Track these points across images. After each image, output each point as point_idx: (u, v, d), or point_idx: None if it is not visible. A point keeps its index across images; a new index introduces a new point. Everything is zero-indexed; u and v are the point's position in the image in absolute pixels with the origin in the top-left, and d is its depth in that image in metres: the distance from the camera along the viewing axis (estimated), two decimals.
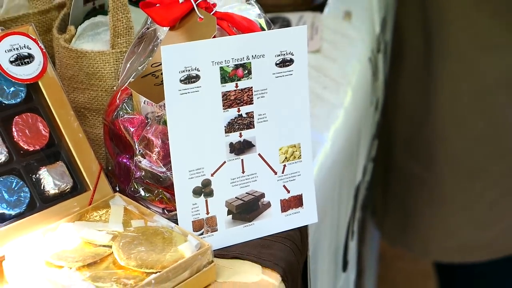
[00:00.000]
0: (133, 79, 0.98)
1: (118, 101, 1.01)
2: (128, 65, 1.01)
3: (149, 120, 0.98)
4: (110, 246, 0.89)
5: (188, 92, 0.90)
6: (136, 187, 1.00)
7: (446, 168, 1.90)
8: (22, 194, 0.93)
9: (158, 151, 0.96)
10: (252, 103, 0.94)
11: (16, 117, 0.96)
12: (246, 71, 0.93)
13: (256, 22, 0.99)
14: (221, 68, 0.91)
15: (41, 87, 0.98)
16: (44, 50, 0.98)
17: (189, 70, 0.89)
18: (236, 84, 0.92)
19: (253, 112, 0.94)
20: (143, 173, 0.98)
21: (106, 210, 0.96)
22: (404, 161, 1.99)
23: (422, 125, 1.92)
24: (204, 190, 0.94)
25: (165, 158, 0.95)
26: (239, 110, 0.94)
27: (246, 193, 0.96)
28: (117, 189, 1.01)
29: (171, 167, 0.92)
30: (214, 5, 0.97)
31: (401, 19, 1.91)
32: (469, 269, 2.02)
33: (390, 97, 1.89)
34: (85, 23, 1.13)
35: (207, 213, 0.95)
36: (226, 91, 0.92)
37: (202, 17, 0.95)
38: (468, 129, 1.86)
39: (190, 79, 0.90)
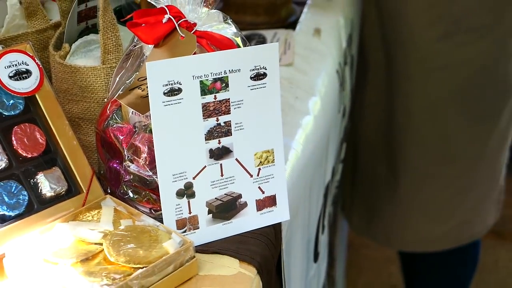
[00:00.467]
0: (121, 92, 0.97)
1: (108, 111, 0.99)
2: (117, 79, 0.99)
3: (136, 129, 0.97)
4: (101, 244, 0.87)
5: (171, 104, 0.89)
6: (125, 189, 0.98)
7: (404, 170, 1.90)
8: (21, 197, 0.91)
9: (145, 157, 0.95)
10: (230, 113, 0.93)
11: (15, 127, 0.94)
12: (224, 84, 0.92)
13: (232, 39, 0.98)
14: (201, 82, 0.90)
15: (38, 99, 0.96)
16: (40, 66, 0.97)
17: (172, 84, 0.88)
18: (215, 96, 0.91)
19: (230, 121, 0.93)
20: (131, 177, 0.96)
21: (98, 211, 0.94)
22: (369, 163, 2.00)
23: (383, 131, 1.93)
24: (187, 192, 0.93)
25: (151, 163, 0.93)
26: (217, 120, 0.92)
27: (225, 194, 0.95)
28: (108, 191, 0.99)
29: (156, 171, 0.91)
30: (194, 24, 0.95)
31: (365, 36, 1.90)
32: (427, 256, 2.03)
33: (356, 105, 1.89)
34: (79, 41, 1.11)
35: (190, 212, 0.93)
36: (206, 103, 0.91)
37: (184, 35, 0.94)
38: (421, 137, 1.87)
39: (173, 91, 0.88)
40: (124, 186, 0.98)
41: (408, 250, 2.13)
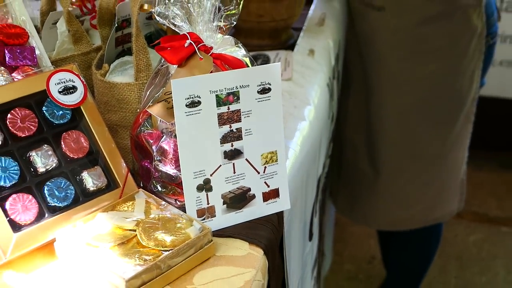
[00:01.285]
0: (151, 104, 0.95)
1: (140, 120, 0.97)
2: (148, 93, 0.97)
3: (164, 134, 0.94)
4: (135, 230, 0.86)
5: (192, 114, 0.87)
6: (155, 184, 0.96)
7: (379, 165, 1.90)
8: (68, 191, 0.89)
9: (171, 158, 0.93)
10: (240, 121, 0.91)
11: (64, 133, 0.92)
12: (236, 97, 0.90)
13: (242, 60, 0.96)
14: (217, 96, 0.88)
15: (83, 110, 0.94)
16: (84, 83, 0.95)
17: (192, 97, 0.87)
18: (228, 107, 0.90)
19: (241, 127, 0.91)
20: (160, 174, 0.95)
21: (132, 202, 0.92)
22: (351, 158, 2.00)
23: (362, 133, 1.92)
24: (205, 186, 0.91)
25: (176, 163, 0.92)
26: (230, 127, 0.91)
27: (237, 188, 0.93)
28: (141, 186, 0.97)
29: (180, 169, 0.89)
30: (211, 48, 0.93)
31: (347, 55, 1.90)
32: (399, 233, 2.03)
33: (341, 112, 1.89)
34: (116, 62, 1.09)
35: (208, 203, 0.91)
36: (221, 113, 0.89)
37: (202, 57, 0.92)
38: (392, 138, 1.87)
39: (194, 104, 0.87)
40: (154, 181, 0.96)
41: (383, 229, 2.14)
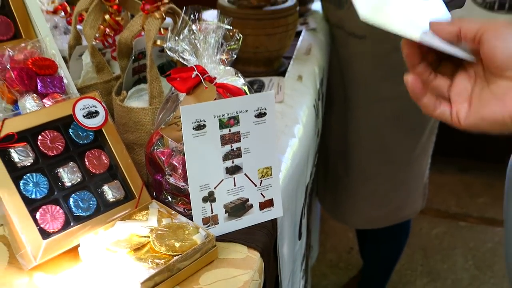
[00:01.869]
0: (163, 126, 0.93)
1: (154, 139, 0.95)
2: (160, 116, 0.95)
3: (174, 152, 0.92)
4: (149, 237, 0.83)
5: (198, 136, 0.85)
6: (166, 195, 0.94)
7: (355, 171, 1.89)
8: (91, 203, 0.87)
9: (180, 172, 0.90)
10: (240, 141, 0.89)
11: (87, 152, 0.90)
12: (236, 121, 0.87)
13: (242, 88, 0.94)
14: (220, 120, 0.86)
15: (104, 131, 0.92)
16: (105, 108, 0.92)
17: (198, 121, 0.84)
18: (229, 129, 0.87)
19: (240, 147, 0.89)
20: (170, 186, 0.92)
21: (146, 212, 0.90)
22: (333, 166, 1.99)
23: (342, 146, 1.91)
24: (210, 198, 0.88)
25: (184, 177, 0.89)
26: (231, 146, 0.88)
27: (237, 199, 0.90)
28: (154, 197, 0.94)
29: (188, 183, 0.87)
30: (215, 78, 0.91)
31: (330, 78, 1.88)
32: (374, 230, 2.01)
33: (326, 128, 1.87)
34: (133, 89, 1.08)
35: (212, 212, 0.89)
36: (223, 134, 0.87)
37: (207, 86, 0.90)
38: (367, 147, 1.86)
39: (200, 127, 0.85)
40: (165, 193, 0.94)
41: (360, 228, 2.14)
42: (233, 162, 0.89)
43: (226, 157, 0.88)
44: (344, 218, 2.01)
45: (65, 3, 1.26)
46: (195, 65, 0.90)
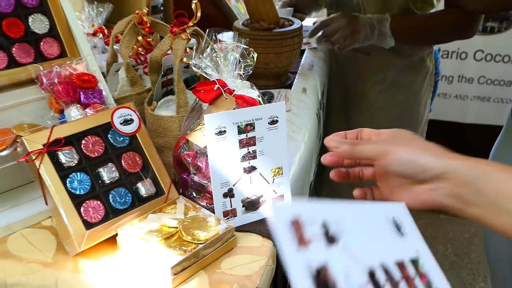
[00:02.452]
0: (189, 132, 0.92)
1: (181, 143, 0.94)
2: (186, 123, 0.94)
3: (198, 154, 0.91)
4: (177, 227, 0.82)
5: (220, 140, 0.84)
6: (191, 191, 0.93)
7: None
8: (127, 198, 0.86)
9: (203, 172, 0.89)
10: (256, 145, 0.88)
11: (123, 154, 0.89)
12: (252, 127, 0.87)
13: (257, 99, 0.93)
14: (238, 126, 0.85)
15: (137, 136, 0.91)
16: (139, 116, 0.91)
17: (220, 128, 0.84)
18: (247, 134, 0.86)
19: (256, 149, 0.88)
20: (195, 184, 0.91)
21: (174, 206, 0.88)
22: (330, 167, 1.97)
23: None
24: (229, 194, 0.87)
25: (207, 176, 0.88)
26: (248, 149, 0.87)
27: (253, 195, 0.89)
28: (181, 193, 0.93)
29: (210, 180, 0.86)
30: (233, 90, 0.90)
31: (331, 91, 1.86)
32: None
33: (326, 133, 1.85)
34: (162, 100, 1.07)
35: (231, 206, 0.88)
36: (241, 139, 0.86)
37: (227, 98, 0.89)
38: None
39: (221, 132, 0.84)
40: (190, 189, 0.93)
41: None
42: (249, 163, 0.88)
43: (243, 159, 0.87)
44: None
45: (103, 26, 1.26)
46: (216, 79, 0.90)
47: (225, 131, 0.84)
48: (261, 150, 0.88)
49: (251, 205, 0.89)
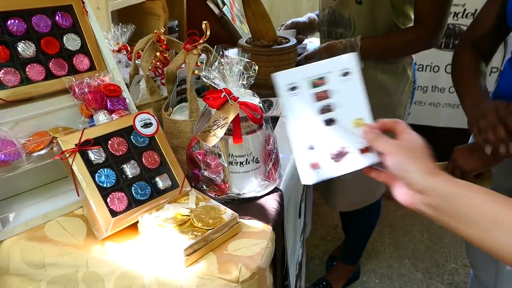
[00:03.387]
0: (199, 133, 0.91)
1: (193, 143, 0.94)
2: (197, 126, 0.94)
3: (207, 152, 0.91)
4: (189, 215, 0.82)
5: (293, 95, 0.74)
6: (201, 185, 0.93)
7: None
8: (147, 190, 0.86)
9: (212, 167, 0.89)
10: (330, 98, 0.75)
11: (144, 152, 0.89)
12: (324, 81, 0.75)
13: (258, 105, 0.92)
14: (310, 81, 0.75)
15: (156, 138, 0.91)
16: (157, 120, 0.92)
17: (291, 84, 0.75)
18: (320, 88, 0.75)
19: (332, 102, 0.75)
20: (204, 178, 0.91)
21: (187, 197, 0.89)
22: None
23: None
24: (311, 147, 0.75)
25: (215, 171, 0.88)
26: (324, 102, 0.75)
27: (336, 147, 0.75)
28: (192, 186, 0.93)
29: (219, 175, 0.85)
30: (237, 98, 0.90)
31: None
32: (354, 211, 1.96)
33: None
34: (177, 106, 1.07)
35: (314, 160, 0.75)
36: (315, 92, 0.75)
37: (232, 104, 0.88)
38: None
39: (293, 88, 0.74)
40: (201, 183, 0.93)
41: (344, 210, 2.06)
42: (327, 116, 0.75)
43: (321, 112, 0.75)
44: (334, 203, 1.95)
45: (127, 44, 1.26)
46: (223, 88, 0.90)
47: (296, 87, 0.74)
48: (337, 102, 0.75)
49: (336, 156, 0.76)
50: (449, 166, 1.22)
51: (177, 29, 1.83)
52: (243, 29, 2.15)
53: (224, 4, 2.08)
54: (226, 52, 0.94)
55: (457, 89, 1.29)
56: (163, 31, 1.08)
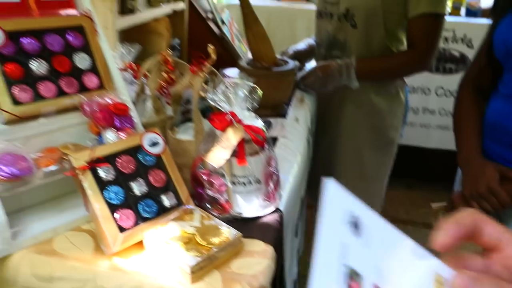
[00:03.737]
0: (205, 154, 0.94)
1: (198, 163, 0.96)
2: (202, 146, 0.97)
3: (212, 172, 0.94)
4: (194, 233, 0.85)
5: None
6: (205, 203, 0.95)
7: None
8: (153, 207, 0.88)
9: (216, 187, 0.92)
10: None
11: (150, 171, 0.91)
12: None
13: (261, 127, 0.95)
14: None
15: (162, 156, 0.94)
16: (164, 139, 0.95)
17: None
18: None
19: None
20: (208, 197, 0.94)
21: (192, 215, 0.91)
22: (318, 179, 1.96)
23: (324, 164, 1.90)
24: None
25: (220, 191, 0.91)
26: None
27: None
28: (196, 204, 0.96)
29: (222, 195, 0.88)
30: (242, 121, 0.93)
31: (318, 120, 1.89)
32: None
33: (315, 154, 1.87)
34: (182, 126, 1.10)
35: None
36: None
37: (237, 126, 0.92)
38: (347, 166, 1.86)
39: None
40: (205, 202, 0.95)
41: None
42: None
43: None
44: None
45: (132, 63, 1.30)
46: (229, 111, 0.93)
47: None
48: None
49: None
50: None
51: (179, 47, 1.87)
52: (242, 48, 2.21)
53: (223, 23, 2.13)
54: (225, 72, 0.98)
55: (454, 132, 1.35)
56: (170, 53, 1.12)
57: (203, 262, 0.78)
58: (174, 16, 1.85)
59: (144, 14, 1.55)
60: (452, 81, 2.88)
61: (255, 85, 0.96)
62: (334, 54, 1.77)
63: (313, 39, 1.95)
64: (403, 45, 1.71)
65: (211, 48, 1.03)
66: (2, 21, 0.91)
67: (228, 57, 2.02)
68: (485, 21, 2.78)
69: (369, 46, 1.68)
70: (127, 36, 1.47)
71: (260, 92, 0.97)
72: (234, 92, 0.94)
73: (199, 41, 1.92)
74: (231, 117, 0.93)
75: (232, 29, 2.24)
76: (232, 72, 1.66)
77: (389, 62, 1.69)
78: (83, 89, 0.99)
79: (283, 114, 1.54)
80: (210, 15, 2.07)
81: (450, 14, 3.12)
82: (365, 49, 1.68)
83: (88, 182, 0.82)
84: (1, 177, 0.82)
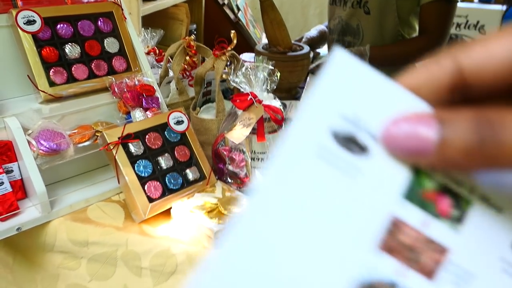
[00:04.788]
0: (225, 131, 1.00)
1: (219, 140, 1.02)
2: (223, 125, 1.02)
3: (232, 149, 0.99)
4: (217, 203, 0.91)
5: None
6: (226, 177, 1.01)
7: None
8: (179, 180, 0.95)
9: (236, 162, 0.98)
10: None
11: (176, 147, 0.98)
12: None
13: (279, 107, 1.00)
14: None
15: (187, 134, 0.99)
16: (188, 118, 1.00)
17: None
18: None
19: None
20: (229, 171, 0.99)
21: (214, 188, 0.97)
22: None
23: None
24: None
25: (240, 165, 0.96)
26: None
27: None
28: (218, 178, 1.01)
29: (242, 170, 0.93)
30: (262, 101, 0.98)
31: None
32: None
33: None
34: (204, 106, 1.16)
35: None
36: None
37: (257, 106, 0.97)
38: None
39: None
40: (226, 176, 1.01)
41: None
42: None
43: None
44: None
45: (155, 47, 1.35)
46: (250, 92, 0.99)
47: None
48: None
49: None
50: None
51: (195, 32, 1.92)
52: (256, 34, 2.25)
53: (238, 9, 2.18)
54: (241, 56, 1.03)
55: None
56: (193, 37, 1.17)
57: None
58: (192, 2, 1.90)
59: (165, 0, 1.61)
60: None
61: (274, 68, 1.01)
62: (347, 40, 1.80)
63: (325, 25, 1.98)
64: (415, 31, 1.74)
65: (233, 33, 1.08)
66: (38, 8, 0.97)
67: (243, 42, 2.07)
68: (499, 7, 2.77)
69: (381, 32, 1.72)
70: (147, 21, 1.53)
71: (278, 74, 1.02)
72: (254, 74, 1.00)
73: (215, 26, 1.97)
74: (251, 97, 0.98)
75: (247, 15, 2.29)
76: (247, 56, 1.71)
77: (402, 48, 1.72)
78: (112, 71, 1.05)
79: (297, 97, 1.58)
80: (226, 1, 2.12)
81: (463, 0, 3.11)
82: (377, 35, 1.72)
83: (119, 156, 0.89)
84: (41, 151, 0.89)
